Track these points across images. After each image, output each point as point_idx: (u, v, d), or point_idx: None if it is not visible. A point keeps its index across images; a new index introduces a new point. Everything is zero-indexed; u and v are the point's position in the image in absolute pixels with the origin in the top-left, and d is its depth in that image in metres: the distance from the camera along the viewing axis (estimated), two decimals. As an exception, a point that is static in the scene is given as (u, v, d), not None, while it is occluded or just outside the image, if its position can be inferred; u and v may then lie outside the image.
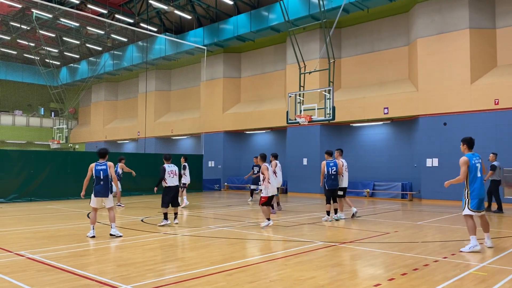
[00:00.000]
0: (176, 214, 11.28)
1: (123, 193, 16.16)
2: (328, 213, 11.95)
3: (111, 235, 9.03)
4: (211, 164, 27.69)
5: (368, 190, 20.83)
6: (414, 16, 19.60)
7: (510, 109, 16.65)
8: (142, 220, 11.96)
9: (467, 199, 7.80)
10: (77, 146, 41.02)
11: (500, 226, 11.24)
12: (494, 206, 14.53)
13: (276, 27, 23.37)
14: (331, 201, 11.97)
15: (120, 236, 9.04)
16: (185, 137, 32.20)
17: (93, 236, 8.91)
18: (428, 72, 18.69)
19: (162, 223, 10.80)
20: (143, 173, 22.29)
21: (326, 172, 11.78)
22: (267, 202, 10.70)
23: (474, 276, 5.90)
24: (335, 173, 11.79)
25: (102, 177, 9.01)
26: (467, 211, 7.78)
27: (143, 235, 9.39)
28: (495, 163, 14.12)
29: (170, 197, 10.87)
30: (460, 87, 17.82)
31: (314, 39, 22.65)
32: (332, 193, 11.88)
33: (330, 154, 12.12)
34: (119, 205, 15.63)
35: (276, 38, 25.22)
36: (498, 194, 14.24)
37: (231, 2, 25.38)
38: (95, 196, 9.05)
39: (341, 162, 12.38)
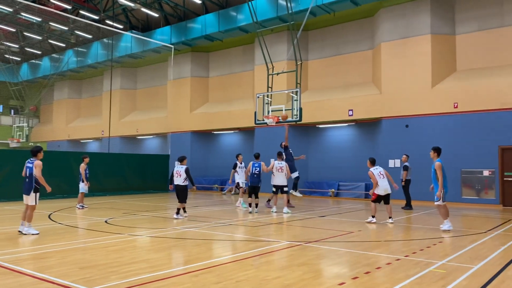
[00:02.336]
0: (182, 209, 12.68)
1: (86, 193, 15.71)
2: (249, 204, 14.30)
3: (19, 231, 9.31)
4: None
5: (333, 190, 21.19)
6: (378, 20, 20.09)
7: (469, 113, 17.34)
8: (106, 221, 11.71)
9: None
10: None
11: (458, 224, 11.66)
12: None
13: (244, 27, 23.39)
14: (253, 196, 14.13)
15: (25, 234, 9.18)
16: (151, 136, 31.73)
17: (20, 231, 9.30)
18: (391, 75, 19.21)
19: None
20: (108, 174, 21.87)
21: (250, 172, 14.15)
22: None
23: (434, 273, 6.12)
24: (258, 172, 14.10)
25: (27, 175, 9.39)
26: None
27: (107, 237, 9.20)
28: (407, 163, 15.64)
29: (176, 194, 12.55)
30: (421, 90, 18.41)
31: (282, 41, 22.83)
32: (253, 189, 14.10)
33: (256, 157, 14.76)
34: (82, 206, 15.22)
35: (244, 38, 25.25)
36: (408, 191, 15.68)
37: (199, 1, 25.22)
38: (23, 193, 9.43)
39: (274, 162, 14.36)
